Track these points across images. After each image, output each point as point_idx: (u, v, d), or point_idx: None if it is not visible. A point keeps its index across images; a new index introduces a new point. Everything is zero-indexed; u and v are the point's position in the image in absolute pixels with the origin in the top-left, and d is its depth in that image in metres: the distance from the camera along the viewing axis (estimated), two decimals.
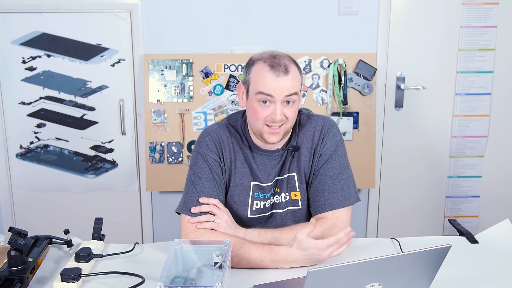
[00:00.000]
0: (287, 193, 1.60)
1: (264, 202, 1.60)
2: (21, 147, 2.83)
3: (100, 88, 2.77)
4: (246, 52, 2.73)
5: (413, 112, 2.90)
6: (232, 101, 2.75)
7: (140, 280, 1.31)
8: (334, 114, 2.77)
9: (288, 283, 1.33)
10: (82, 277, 1.31)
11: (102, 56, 2.74)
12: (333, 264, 0.99)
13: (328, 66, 2.75)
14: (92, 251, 1.42)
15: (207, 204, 1.51)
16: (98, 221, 1.59)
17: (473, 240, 1.57)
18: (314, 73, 2.76)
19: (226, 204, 1.59)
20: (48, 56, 2.73)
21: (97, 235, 1.54)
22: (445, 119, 2.92)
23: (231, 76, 2.73)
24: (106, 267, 1.41)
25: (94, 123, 2.81)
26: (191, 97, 2.73)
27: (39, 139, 2.82)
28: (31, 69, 2.74)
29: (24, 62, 2.73)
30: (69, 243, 1.50)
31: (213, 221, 1.49)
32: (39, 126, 2.80)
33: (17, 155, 2.84)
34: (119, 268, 1.39)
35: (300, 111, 1.61)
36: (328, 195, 1.54)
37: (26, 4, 2.67)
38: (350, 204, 1.55)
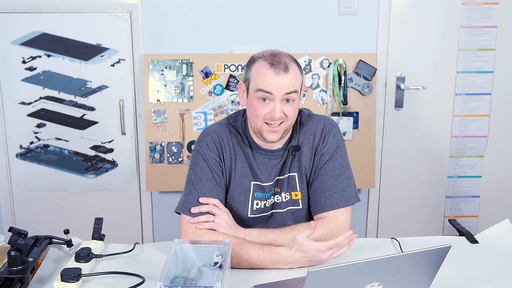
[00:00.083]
0: (287, 193, 1.60)
1: (265, 202, 1.60)
2: (21, 147, 2.83)
3: (100, 88, 2.77)
4: (246, 52, 2.73)
5: (413, 112, 2.90)
6: (232, 101, 2.75)
7: (140, 280, 1.31)
8: (334, 114, 2.77)
9: (288, 283, 1.33)
10: (82, 277, 1.31)
11: (102, 56, 2.74)
12: (333, 264, 0.99)
13: (328, 66, 2.75)
14: (92, 251, 1.42)
15: (207, 204, 1.51)
16: (98, 221, 1.59)
17: (473, 240, 1.57)
18: (314, 73, 2.76)
19: (226, 204, 1.59)
20: (48, 56, 2.73)
21: (97, 235, 1.54)
22: (445, 119, 2.92)
23: (231, 76, 2.73)
24: (106, 267, 1.41)
25: (94, 123, 2.81)
26: (191, 97, 2.73)
27: (39, 139, 2.82)
28: (31, 69, 2.74)
29: (24, 62, 2.73)
30: (69, 243, 1.50)
31: (213, 221, 1.49)
32: (39, 126, 2.80)
33: (17, 155, 2.84)
34: (119, 268, 1.39)
35: (300, 111, 1.61)
36: (328, 195, 1.54)
37: (26, 4, 2.67)
38: (350, 204, 1.55)
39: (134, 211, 2.93)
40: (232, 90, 2.74)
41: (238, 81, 2.73)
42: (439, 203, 3.02)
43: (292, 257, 1.39)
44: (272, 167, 1.59)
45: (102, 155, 2.85)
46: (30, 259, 1.35)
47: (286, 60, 1.46)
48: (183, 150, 2.76)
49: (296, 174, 1.59)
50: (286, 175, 1.59)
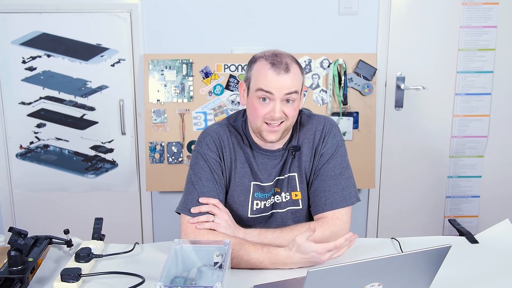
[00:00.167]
0: (287, 193, 1.60)
1: (264, 202, 1.60)
2: (21, 147, 2.83)
3: (100, 88, 2.77)
4: (246, 52, 2.73)
5: (413, 112, 2.90)
6: (232, 101, 2.75)
7: (140, 280, 1.31)
8: (334, 114, 2.77)
9: (288, 283, 1.33)
10: (82, 277, 1.31)
11: (102, 56, 2.74)
12: (333, 264, 0.99)
13: (328, 66, 2.75)
14: (92, 251, 1.42)
15: (207, 204, 1.51)
16: (98, 221, 1.59)
17: (473, 240, 1.57)
18: (314, 73, 2.76)
19: (226, 204, 1.59)
20: (48, 56, 2.73)
21: (97, 235, 1.54)
22: (445, 119, 2.92)
23: (231, 76, 2.73)
24: (106, 267, 1.41)
25: (94, 123, 2.81)
26: (191, 97, 2.73)
27: (39, 139, 2.82)
28: (31, 69, 2.74)
29: (24, 62, 2.73)
30: (69, 243, 1.50)
31: (213, 221, 1.49)
32: (39, 126, 2.80)
33: (17, 155, 2.84)
34: (119, 268, 1.39)
35: (300, 111, 1.61)
36: (328, 195, 1.54)
37: (26, 4, 2.67)
38: (350, 204, 1.55)
39: (134, 211, 2.93)
40: (232, 90, 2.74)
41: (238, 81, 2.73)
42: (439, 203, 3.02)
43: (291, 258, 1.39)
44: (272, 167, 1.59)
45: (102, 155, 2.85)
46: (30, 259, 1.35)
47: (287, 60, 1.46)
48: (183, 150, 2.76)
49: (296, 174, 1.59)
50: (286, 175, 1.59)
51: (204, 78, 2.73)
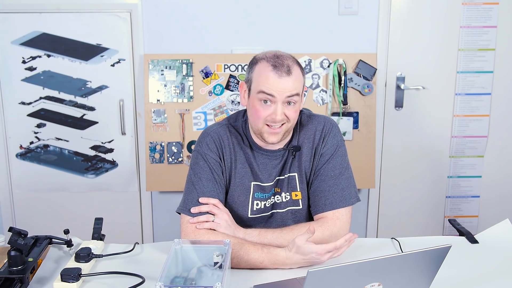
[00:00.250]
0: (287, 193, 1.60)
1: (265, 202, 1.60)
2: (21, 147, 2.83)
3: (100, 88, 2.77)
4: (246, 52, 2.73)
5: (413, 112, 2.90)
6: (232, 101, 2.75)
7: (140, 280, 1.31)
8: (334, 114, 2.77)
9: (288, 283, 1.33)
10: (82, 277, 1.31)
11: (102, 56, 2.74)
12: (333, 264, 0.99)
13: (328, 66, 2.75)
14: (92, 251, 1.42)
15: (207, 204, 1.51)
16: (98, 221, 1.59)
17: (473, 240, 1.57)
18: (314, 73, 2.76)
19: (227, 204, 1.59)
20: (48, 56, 2.73)
21: (97, 235, 1.54)
22: (445, 119, 2.92)
23: (231, 76, 2.73)
24: (106, 267, 1.41)
25: (94, 123, 2.81)
26: (191, 97, 2.73)
27: (39, 139, 2.82)
28: (31, 69, 2.74)
29: (24, 62, 2.73)
30: (69, 243, 1.50)
31: (213, 221, 1.49)
32: (39, 126, 2.80)
33: (17, 155, 2.84)
34: (119, 268, 1.39)
35: (301, 111, 1.61)
36: (328, 195, 1.54)
37: (26, 4, 2.67)
38: (350, 204, 1.55)
39: (134, 211, 2.93)
40: (232, 90, 2.74)
41: (238, 81, 2.73)
42: (439, 203, 3.02)
43: (291, 259, 1.39)
44: (273, 167, 1.59)
45: (102, 155, 2.85)
46: (30, 259, 1.35)
47: (289, 63, 1.46)
48: (183, 150, 2.76)
49: (296, 174, 1.59)
50: (286, 175, 1.59)
51: (204, 78, 2.73)
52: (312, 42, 2.77)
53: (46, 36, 2.71)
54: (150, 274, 1.33)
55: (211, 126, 1.63)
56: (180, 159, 2.76)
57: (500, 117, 2.92)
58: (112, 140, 2.83)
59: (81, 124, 2.81)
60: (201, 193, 1.52)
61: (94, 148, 2.84)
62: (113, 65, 2.75)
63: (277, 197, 1.60)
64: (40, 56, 2.72)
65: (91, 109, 2.79)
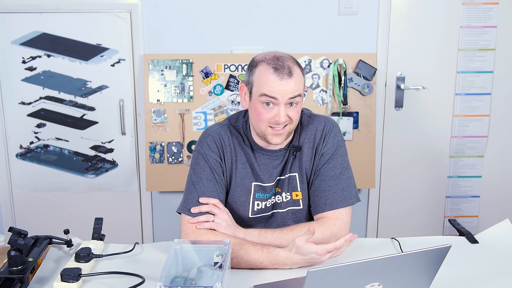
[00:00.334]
0: (288, 193, 1.60)
1: (265, 202, 1.60)
2: (21, 147, 2.83)
3: (100, 88, 2.77)
4: (246, 52, 2.73)
5: (413, 112, 2.90)
6: (232, 101, 2.75)
7: (140, 280, 1.31)
8: (334, 114, 2.77)
9: (288, 283, 1.33)
10: (82, 277, 1.31)
11: (102, 56, 2.74)
12: (333, 264, 0.99)
13: (328, 66, 2.75)
14: (92, 251, 1.42)
15: (207, 204, 1.51)
16: (98, 221, 1.59)
17: (473, 240, 1.57)
18: (314, 73, 2.76)
19: (227, 204, 1.59)
20: (48, 56, 2.73)
21: (97, 235, 1.54)
22: (445, 119, 2.92)
23: (231, 76, 2.73)
24: (106, 267, 1.41)
25: (94, 123, 2.81)
26: (191, 97, 2.73)
27: (39, 139, 2.82)
28: (31, 69, 2.74)
29: (24, 62, 2.73)
30: (69, 243, 1.50)
31: (213, 221, 1.49)
32: (39, 126, 2.80)
33: (17, 155, 2.84)
34: (119, 268, 1.39)
35: (301, 112, 1.61)
36: (328, 195, 1.54)
37: (26, 4, 2.67)
38: (350, 204, 1.55)
39: (134, 211, 2.93)
40: (232, 90, 2.74)
41: (238, 81, 2.73)
42: (439, 203, 3.02)
43: (291, 259, 1.39)
44: (274, 167, 1.59)
45: (102, 155, 2.85)
46: (30, 259, 1.35)
47: (290, 64, 1.46)
48: (183, 150, 2.76)
49: (297, 174, 1.59)
50: (287, 175, 1.59)
51: (204, 78, 2.73)
52: (312, 42, 2.77)
53: (46, 36, 2.71)
54: (150, 274, 1.33)
55: (212, 126, 1.63)
56: (180, 159, 2.76)
57: (500, 117, 2.92)
58: (112, 140, 2.83)
59: (81, 124, 2.81)
60: (202, 193, 1.52)
61: (94, 148, 2.84)
62: (113, 65, 2.75)
63: (278, 197, 1.60)
64: (40, 56, 2.72)
65: (91, 109, 2.79)
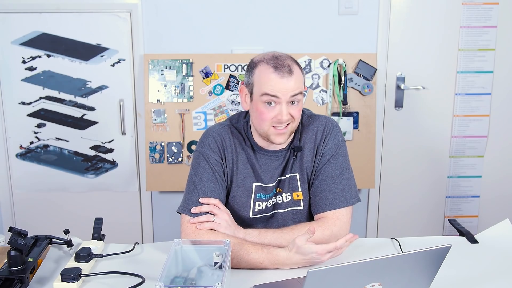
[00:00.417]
0: (288, 193, 1.60)
1: (266, 203, 1.60)
2: (21, 147, 2.83)
3: (100, 88, 2.77)
4: (246, 52, 2.73)
5: (413, 112, 2.90)
6: (232, 101, 2.75)
7: (140, 280, 1.32)
8: (334, 114, 2.77)
9: (288, 283, 1.33)
10: (82, 277, 1.31)
11: (102, 56, 2.74)
12: (333, 264, 0.99)
13: (328, 66, 2.75)
14: (92, 251, 1.42)
15: (208, 204, 1.51)
16: (98, 221, 1.59)
17: (473, 240, 1.57)
18: (314, 73, 2.76)
19: (228, 205, 1.59)
20: (48, 56, 2.73)
21: (97, 235, 1.54)
22: (445, 119, 2.92)
23: (231, 76, 2.73)
24: (106, 267, 1.41)
25: (94, 123, 2.81)
26: (191, 97, 2.73)
27: (39, 139, 2.82)
28: (31, 69, 2.74)
29: (24, 62, 2.73)
30: (69, 243, 1.50)
31: (213, 221, 1.49)
32: (39, 126, 2.80)
33: (17, 155, 2.84)
34: (119, 268, 1.40)
35: (302, 112, 1.61)
36: (329, 195, 1.55)
37: (26, 4, 2.67)
38: (350, 204, 1.55)
39: (134, 211, 2.93)
40: (232, 90, 2.74)
41: (238, 81, 2.73)
42: (439, 203, 3.02)
43: (291, 259, 1.39)
44: (275, 168, 1.59)
45: (102, 155, 2.85)
46: (30, 259, 1.35)
47: (289, 62, 1.47)
48: (183, 150, 2.76)
49: (297, 174, 1.59)
50: (287, 176, 1.59)
51: (204, 78, 2.73)
52: (312, 42, 2.77)
53: (46, 36, 2.71)
54: (150, 274, 1.33)
55: (213, 126, 1.63)
56: (180, 159, 2.76)
57: (500, 117, 2.92)
58: (112, 140, 2.83)
59: (81, 124, 2.81)
60: (202, 193, 1.52)
61: (94, 148, 2.84)
62: (113, 65, 2.75)
63: (279, 198, 1.60)
64: (40, 56, 2.72)
65: (91, 109, 2.79)
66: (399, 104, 2.88)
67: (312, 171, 1.59)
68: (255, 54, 1.56)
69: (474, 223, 3.04)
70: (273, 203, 1.60)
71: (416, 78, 2.85)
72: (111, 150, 2.84)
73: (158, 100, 2.72)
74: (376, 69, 2.75)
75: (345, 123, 2.77)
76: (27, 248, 1.36)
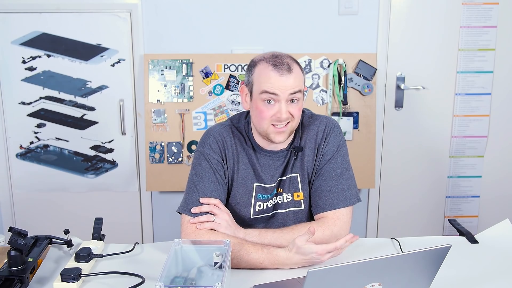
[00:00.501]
0: (289, 194, 1.60)
1: (267, 203, 1.60)
2: (21, 147, 2.83)
3: (100, 88, 2.77)
4: (246, 52, 2.73)
5: (413, 112, 2.90)
6: (232, 101, 2.75)
7: (140, 280, 1.32)
8: (334, 114, 2.77)
9: (288, 283, 1.33)
10: (82, 277, 1.31)
11: (102, 56, 2.74)
12: (333, 264, 0.99)
13: (328, 66, 2.75)
14: (92, 251, 1.42)
15: (208, 204, 1.51)
16: (98, 221, 1.59)
17: (473, 240, 1.57)
18: (314, 73, 2.76)
19: (229, 205, 1.59)
20: (48, 56, 2.73)
21: (97, 235, 1.54)
22: (445, 119, 2.92)
23: (231, 76, 2.73)
24: (106, 267, 1.41)
25: (94, 123, 2.81)
26: (191, 97, 2.73)
27: (39, 139, 2.82)
28: (31, 69, 2.74)
29: (24, 62, 2.73)
30: (69, 243, 1.50)
31: (213, 221, 1.49)
32: (39, 126, 2.80)
33: (17, 155, 2.84)
34: (119, 268, 1.40)
35: (302, 112, 1.61)
36: (329, 195, 1.55)
37: (26, 4, 2.67)
38: (351, 204, 1.55)
39: (134, 211, 2.93)
40: (232, 90, 2.74)
41: (238, 81, 2.73)
42: (439, 203, 3.02)
43: (291, 259, 1.39)
44: (275, 168, 1.59)
45: (102, 155, 2.85)
46: (30, 259, 1.35)
47: (288, 61, 1.47)
48: (183, 150, 2.76)
49: (298, 174, 1.59)
50: (288, 176, 1.59)
51: (204, 78, 2.73)
52: (312, 42, 2.77)
53: (46, 36, 2.71)
54: (150, 274, 1.33)
55: (214, 126, 1.63)
56: (180, 159, 2.76)
57: (500, 117, 2.92)
58: (112, 140, 2.83)
59: (81, 124, 2.81)
60: (202, 193, 1.52)
61: (94, 148, 2.84)
62: (113, 65, 2.75)
63: (279, 198, 1.60)
64: (40, 56, 2.72)
65: (91, 109, 2.79)
66: (399, 104, 2.88)
67: (312, 171, 1.59)
68: (255, 54, 1.57)
69: (474, 223, 3.04)
70: (273, 203, 1.60)
71: (416, 78, 2.85)
72: (111, 150, 2.84)
73: (158, 100, 2.72)
74: (376, 69, 2.75)
75: (345, 123, 2.77)
76: (27, 248, 1.36)
